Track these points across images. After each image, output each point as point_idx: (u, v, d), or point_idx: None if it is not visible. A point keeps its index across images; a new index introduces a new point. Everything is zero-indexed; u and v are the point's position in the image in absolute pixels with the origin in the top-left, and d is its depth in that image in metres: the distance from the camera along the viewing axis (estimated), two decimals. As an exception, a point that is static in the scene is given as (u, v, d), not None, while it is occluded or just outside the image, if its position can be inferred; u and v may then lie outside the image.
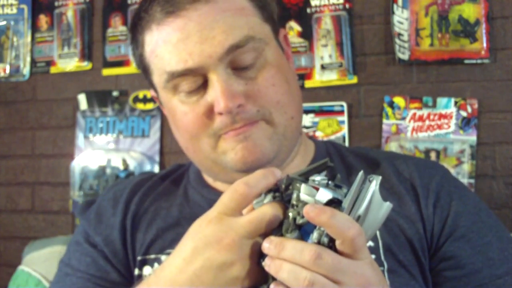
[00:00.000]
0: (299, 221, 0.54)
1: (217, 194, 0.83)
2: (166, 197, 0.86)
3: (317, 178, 0.55)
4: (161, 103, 0.85)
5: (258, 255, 0.54)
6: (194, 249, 0.54)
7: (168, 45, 0.74)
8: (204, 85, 0.75)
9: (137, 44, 0.81)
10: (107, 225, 0.84)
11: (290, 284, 0.51)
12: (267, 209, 0.54)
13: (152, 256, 0.78)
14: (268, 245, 0.53)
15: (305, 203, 0.53)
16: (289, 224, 0.54)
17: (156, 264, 0.77)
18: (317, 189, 0.53)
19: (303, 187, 0.54)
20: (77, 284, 0.79)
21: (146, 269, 0.78)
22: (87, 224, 0.86)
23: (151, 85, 0.84)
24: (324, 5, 1.63)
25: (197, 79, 0.74)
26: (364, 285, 0.51)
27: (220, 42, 0.72)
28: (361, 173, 0.54)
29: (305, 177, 0.56)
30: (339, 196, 0.53)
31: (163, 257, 0.77)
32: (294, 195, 0.55)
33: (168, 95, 0.78)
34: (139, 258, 0.79)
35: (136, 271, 0.79)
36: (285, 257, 0.51)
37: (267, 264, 0.53)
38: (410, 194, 0.80)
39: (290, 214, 0.55)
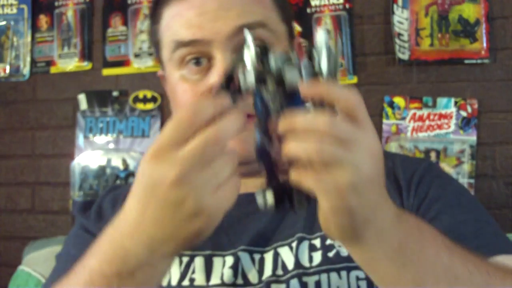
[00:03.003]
0: (285, 104, 0.51)
1: None
2: None
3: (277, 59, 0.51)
4: (165, 82, 0.86)
5: (217, 181, 0.49)
6: (144, 190, 0.51)
7: (182, 18, 0.76)
8: (208, 67, 0.76)
9: (155, 18, 0.82)
10: (108, 222, 0.84)
11: (300, 155, 0.48)
12: (217, 127, 0.49)
13: None
14: (275, 122, 0.50)
15: (289, 88, 0.51)
16: (277, 112, 0.51)
17: None
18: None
19: (286, 69, 0.50)
20: None
21: None
22: (86, 221, 0.85)
23: (160, 63, 0.85)
24: (324, 5, 1.63)
25: (202, 54, 0.75)
26: (371, 151, 0.50)
27: (231, 21, 0.73)
28: (323, 33, 0.52)
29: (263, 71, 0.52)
30: (316, 66, 0.51)
31: None
32: (271, 85, 0.51)
33: (172, 70, 0.79)
34: None
35: None
36: (298, 127, 0.49)
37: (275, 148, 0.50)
38: (395, 188, 0.79)
39: (273, 101, 0.51)
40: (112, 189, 0.93)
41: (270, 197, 0.54)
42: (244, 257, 0.75)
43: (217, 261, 0.76)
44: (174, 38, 0.77)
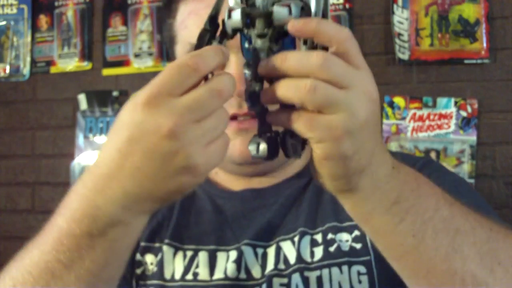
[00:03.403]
0: (274, 48, 0.48)
1: (217, 188, 0.82)
2: None
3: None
4: None
5: (211, 136, 0.46)
6: (129, 139, 0.46)
7: (199, 18, 0.74)
8: (221, 66, 0.75)
9: (170, 12, 0.82)
10: None
11: (292, 96, 0.46)
12: (220, 79, 0.46)
13: (157, 245, 0.78)
14: (266, 63, 0.47)
15: (278, 27, 0.47)
16: (267, 55, 0.48)
17: (159, 255, 0.77)
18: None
19: (275, 8, 0.47)
20: None
21: (148, 257, 0.78)
22: None
23: (171, 56, 0.84)
24: (324, 5, 1.63)
25: None
26: (368, 93, 0.46)
27: None
28: None
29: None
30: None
31: (164, 247, 0.77)
32: (260, 25, 0.48)
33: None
34: (142, 244, 0.79)
35: (138, 256, 0.78)
36: (290, 65, 0.46)
37: (265, 92, 0.47)
38: None
39: (262, 44, 0.48)
40: None
41: (262, 146, 0.50)
42: (248, 251, 0.75)
43: (220, 256, 0.76)
44: (190, 40, 0.75)
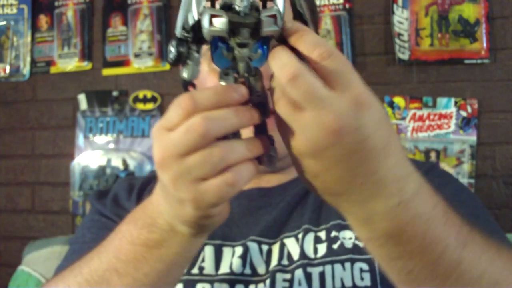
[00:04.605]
0: (253, 57, 0.47)
1: None
2: None
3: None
4: None
5: (198, 173, 0.45)
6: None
7: None
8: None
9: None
10: (124, 209, 0.85)
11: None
12: (197, 120, 0.44)
13: None
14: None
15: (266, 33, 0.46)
16: (246, 64, 0.46)
17: None
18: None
19: (265, 19, 0.45)
20: None
21: None
22: (103, 207, 0.86)
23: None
24: (324, 5, 1.63)
25: None
26: (325, 124, 0.42)
27: None
28: None
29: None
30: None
31: None
32: (245, 34, 0.46)
33: (203, 62, 0.79)
34: None
35: None
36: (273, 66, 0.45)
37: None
38: None
39: (241, 52, 0.46)
40: (127, 179, 0.95)
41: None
42: (253, 247, 0.76)
43: (226, 251, 0.77)
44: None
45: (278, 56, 0.45)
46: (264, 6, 0.49)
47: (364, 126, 0.43)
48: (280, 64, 0.44)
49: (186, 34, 0.47)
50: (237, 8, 0.46)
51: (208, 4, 0.47)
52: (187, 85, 0.49)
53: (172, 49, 0.47)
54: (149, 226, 0.54)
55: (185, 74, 0.48)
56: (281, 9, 0.46)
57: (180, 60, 0.47)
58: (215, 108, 0.45)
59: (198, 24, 0.46)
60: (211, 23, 0.45)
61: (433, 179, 0.79)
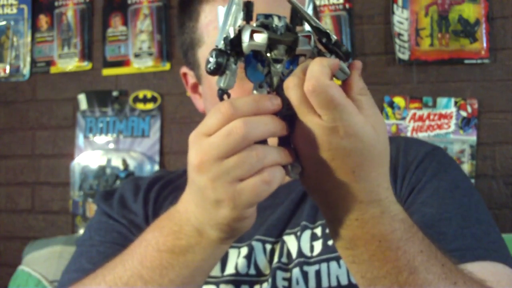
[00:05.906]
0: (285, 72, 0.52)
1: None
2: (183, 190, 0.87)
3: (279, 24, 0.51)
4: (199, 79, 0.84)
5: (237, 173, 0.48)
6: (188, 169, 0.53)
7: None
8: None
9: (192, 15, 0.81)
10: (130, 211, 0.85)
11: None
12: (238, 123, 0.48)
13: None
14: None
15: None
16: (280, 79, 0.51)
17: None
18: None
19: (301, 39, 0.51)
20: (105, 253, 0.77)
21: None
22: (110, 209, 0.86)
23: (191, 60, 0.84)
24: (324, 5, 1.63)
25: None
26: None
27: None
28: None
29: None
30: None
31: None
32: (281, 51, 0.51)
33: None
34: None
35: None
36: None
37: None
38: (391, 174, 0.79)
39: (276, 67, 0.51)
40: (133, 179, 0.94)
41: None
42: (258, 246, 0.77)
43: (232, 252, 0.78)
44: None
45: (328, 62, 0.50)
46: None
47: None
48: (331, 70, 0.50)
49: (226, 46, 0.51)
50: (274, 26, 0.50)
51: (244, 23, 0.51)
52: (223, 94, 0.51)
53: (211, 60, 0.50)
54: (176, 233, 0.55)
55: (221, 84, 0.51)
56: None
57: (218, 70, 0.50)
58: (253, 115, 0.48)
59: (236, 38, 0.50)
60: (251, 37, 0.49)
61: (430, 165, 0.79)
